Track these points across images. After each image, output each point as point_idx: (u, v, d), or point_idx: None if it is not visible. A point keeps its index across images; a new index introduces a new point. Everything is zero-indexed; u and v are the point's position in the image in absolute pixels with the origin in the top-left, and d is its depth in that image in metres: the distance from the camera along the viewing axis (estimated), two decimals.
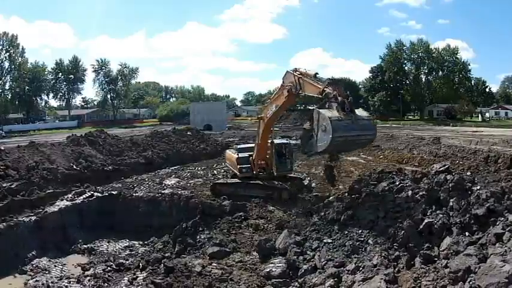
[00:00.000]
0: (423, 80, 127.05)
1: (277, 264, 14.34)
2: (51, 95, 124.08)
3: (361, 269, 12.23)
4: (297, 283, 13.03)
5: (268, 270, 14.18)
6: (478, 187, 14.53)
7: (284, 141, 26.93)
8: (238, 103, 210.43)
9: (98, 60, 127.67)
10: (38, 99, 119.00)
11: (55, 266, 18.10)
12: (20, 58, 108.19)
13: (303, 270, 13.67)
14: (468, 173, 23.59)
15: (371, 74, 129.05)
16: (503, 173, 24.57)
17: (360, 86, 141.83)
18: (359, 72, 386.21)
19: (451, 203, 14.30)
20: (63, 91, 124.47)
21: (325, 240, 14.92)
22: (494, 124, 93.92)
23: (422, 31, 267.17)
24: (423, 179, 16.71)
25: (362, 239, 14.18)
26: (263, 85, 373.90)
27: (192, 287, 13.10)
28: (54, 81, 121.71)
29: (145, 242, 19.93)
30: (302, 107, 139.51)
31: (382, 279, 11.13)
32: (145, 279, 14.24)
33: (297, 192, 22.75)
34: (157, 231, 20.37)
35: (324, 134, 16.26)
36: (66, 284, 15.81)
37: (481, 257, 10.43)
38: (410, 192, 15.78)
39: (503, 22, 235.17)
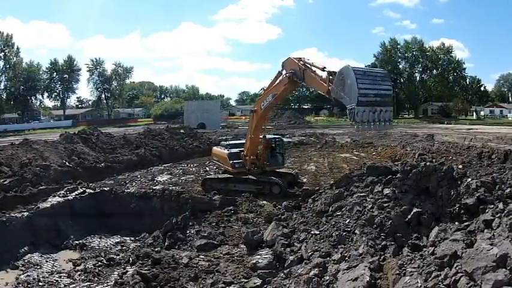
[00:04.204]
0: (417, 78, 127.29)
1: (263, 256, 14.40)
2: (45, 94, 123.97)
3: (346, 258, 12.23)
4: (283, 274, 12.99)
5: (254, 261, 14.21)
6: (470, 178, 14.39)
7: (276, 135, 26.75)
8: (233, 103, 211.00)
9: (92, 60, 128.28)
10: (33, 99, 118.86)
11: (47, 261, 18.23)
12: (15, 58, 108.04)
13: (289, 261, 13.65)
14: (460, 166, 24.10)
15: None
16: (496, 166, 24.57)
17: None
18: None
19: (440, 193, 14.28)
20: (57, 91, 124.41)
21: (312, 232, 14.84)
22: (489, 122, 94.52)
23: (416, 31, 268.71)
24: (413, 171, 16.13)
25: (349, 229, 14.08)
26: (258, 85, 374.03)
27: (178, 278, 13.21)
28: (48, 80, 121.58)
29: (137, 238, 20.11)
30: (297, 106, 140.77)
31: (366, 266, 11.12)
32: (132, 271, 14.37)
33: (287, 187, 22.86)
34: (148, 227, 20.42)
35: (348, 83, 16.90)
36: (57, 279, 15.94)
37: (468, 243, 10.26)
38: (398, 183, 15.64)
39: (498, 21, 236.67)
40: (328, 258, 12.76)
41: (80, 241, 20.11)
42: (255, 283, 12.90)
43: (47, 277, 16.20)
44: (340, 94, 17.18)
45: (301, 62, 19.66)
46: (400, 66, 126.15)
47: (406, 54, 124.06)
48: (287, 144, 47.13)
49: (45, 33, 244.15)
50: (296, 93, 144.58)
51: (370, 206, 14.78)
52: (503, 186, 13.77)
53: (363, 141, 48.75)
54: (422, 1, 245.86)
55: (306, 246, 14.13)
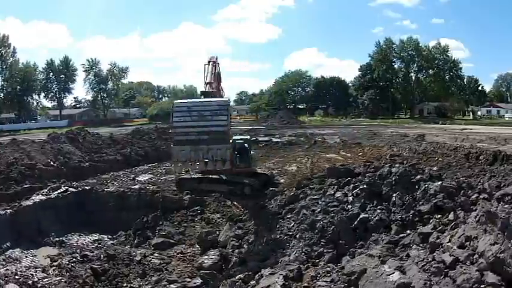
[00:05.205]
0: (413, 78, 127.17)
1: (210, 256, 14.58)
2: (42, 94, 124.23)
3: (278, 264, 11.88)
4: (221, 275, 13.05)
5: (200, 261, 14.46)
6: (436, 182, 13.77)
7: (244, 137, 27.04)
8: (231, 103, 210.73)
9: (88, 60, 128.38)
10: (29, 99, 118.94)
11: (26, 256, 18.83)
12: (11, 58, 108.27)
13: (232, 263, 13.64)
14: (435, 168, 21.89)
15: (360, 72, 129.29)
16: (477, 168, 23.94)
17: (350, 85, 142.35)
18: (353, 71, 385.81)
19: (393, 198, 13.61)
20: (54, 91, 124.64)
21: (261, 234, 14.65)
22: (485, 122, 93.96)
23: (417, 31, 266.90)
24: (366, 174, 15.89)
25: (291, 233, 13.78)
26: (258, 85, 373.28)
27: (128, 274, 13.83)
28: (45, 81, 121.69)
29: (114, 236, 20.65)
30: (292, 106, 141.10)
31: (281, 274, 10.62)
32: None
33: (261, 187, 23.12)
34: (126, 225, 20.89)
35: None
36: (33, 273, 16.64)
37: (386, 260, 9.47)
38: (351, 186, 15.27)
39: (498, 21, 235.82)
40: (264, 262, 12.50)
41: (60, 238, 20.71)
42: (195, 283, 13.17)
43: (24, 271, 16.82)
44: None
45: (209, 63, 18.96)
46: (396, 66, 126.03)
47: (401, 54, 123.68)
48: (276, 144, 47.88)
49: (45, 34, 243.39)
50: (292, 93, 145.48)
51: (318, 210, 14.35)
52: (469, 191, 12.97)
53: (351, 141, 49.06)
54: (422, 1, 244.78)
55: (249, 248, 14.05)
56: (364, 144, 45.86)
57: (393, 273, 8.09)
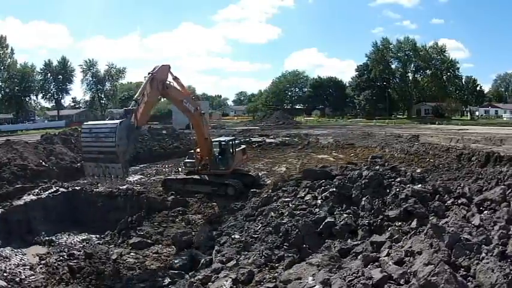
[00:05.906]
0: (410, 78, 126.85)
1: (181, 257, 14.96)
2: (40, 95, 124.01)
3: (238, 266, 11.68)
4: (187, 276, 13.15)
5: (171, 262, 14.85)
6: (409, 186, 13.32)
7: (226, 138, 27.17)
8: (230, 103, 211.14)
9: (85, 61, 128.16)
10: (28, 100, 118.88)
11: (16, 255, 19.34)
12: (9, 59, 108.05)
13: (200, 264, 13.65)
14: (418, 171, 22.16)
15: (357, 73, 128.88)
16: (465, 170, 22.89)
17: (347, 85, 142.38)
18: (353, 72, 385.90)
19: (362, 202, 13.32)
20: (52, 91, 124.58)
21: (233, 236, 14.71)
22: (482, 122, 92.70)
23: (416, 31, 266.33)
24: (336, 177, 15.90)
25: (256, 235, 13.71)
26: (258, 85, 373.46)
27: (102, 272, 14.24)
28: (43, 81, 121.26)
29: (102, 235, 20.97)
30: (289, 106, 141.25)
31: (231, 277, 10.56)
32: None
33: (245, 188, 23.24)
34: (114, 225, 21.11)
35: None
36: (21, 270, 17.15)
37: (325, 269, 8.94)
38: (322, 189, 15.11)
39: (498, 22, 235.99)
40: (227, 264, 12.29)
41: (50, 237, 21.21)
42: (163, 283, 13.57)
43: (12, 269, 17.34)
44: None
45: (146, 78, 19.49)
46: (393, 66, 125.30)
47: (398, 54, 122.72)
48: (269, 145, 48.09)
49: (45, 34, 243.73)
50: (289, 93, 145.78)
51: (286, 213, 14.20)
52: (446, 196, 12.61)
53: (344, 142, 48.99)
54: (422, 1, 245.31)
55: (217, 249, 14.08)
56: (357, 145, 45.54)
57: (315, 286, 7.56)
